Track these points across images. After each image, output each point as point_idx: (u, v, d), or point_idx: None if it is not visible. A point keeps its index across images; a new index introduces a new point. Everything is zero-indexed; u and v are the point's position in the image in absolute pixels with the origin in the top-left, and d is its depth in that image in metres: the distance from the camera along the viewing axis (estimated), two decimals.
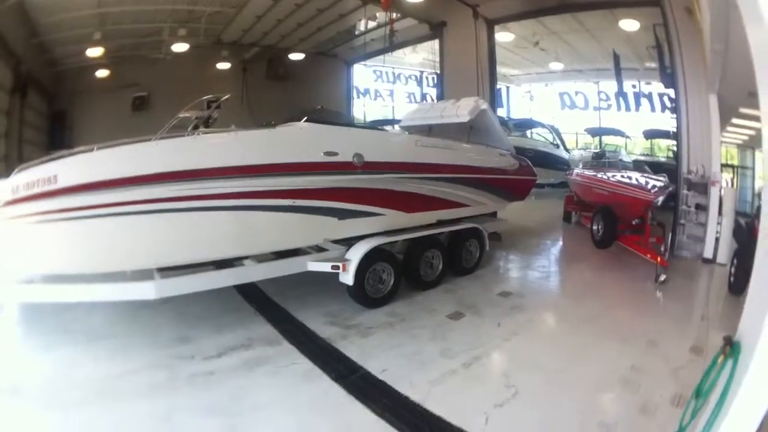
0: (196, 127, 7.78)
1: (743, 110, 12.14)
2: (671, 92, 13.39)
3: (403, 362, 6.06)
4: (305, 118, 8.05)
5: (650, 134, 22.04)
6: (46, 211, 6.01)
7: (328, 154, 7.51)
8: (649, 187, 11.17)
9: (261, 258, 7.54)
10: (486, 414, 4.88)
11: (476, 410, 4.93)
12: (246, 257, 7.41)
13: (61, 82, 19.97)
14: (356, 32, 23.83)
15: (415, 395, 5.27)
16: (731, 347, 3.04)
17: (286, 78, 23.80)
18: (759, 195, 14.07)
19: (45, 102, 19.91)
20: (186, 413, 5.13)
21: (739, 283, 8.47)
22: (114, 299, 7.04)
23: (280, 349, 6.55)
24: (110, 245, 6.37)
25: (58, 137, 19.82)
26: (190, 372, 5.99)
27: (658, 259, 9.23)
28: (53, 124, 20.31)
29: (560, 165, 20.44)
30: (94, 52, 18.90)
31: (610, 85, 23.45)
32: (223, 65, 22.61)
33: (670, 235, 10.64)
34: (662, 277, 8.96)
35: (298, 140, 7.65)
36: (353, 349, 6.44)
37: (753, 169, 16.33)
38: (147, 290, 6.55)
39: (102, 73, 20.27)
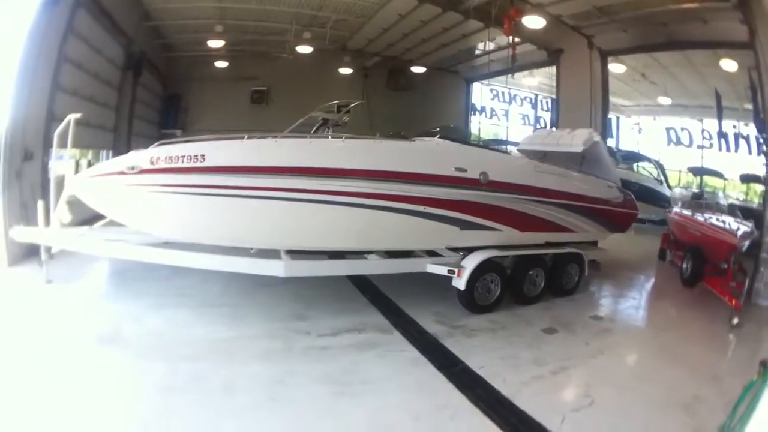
0: (322, 127, 8.90)
1: None
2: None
3: (499, 363, 6.76)
4: (439, 134, 8.85)
5: (745, 178, 21.48)
6: (190, 184, 6.87)
7: (458, 169, 8.24)
8: (736, 231, 11.11)
9: (381, 255, 8.32)
10: (563, 416, 5.46)
11: (556, 411, 5.53)
12: (370, 252, 8.19)
13: (177, 66, 21.27)
14: (477, 52, 23.99)
15: (506, 391, 5.91)
16: (765, 369, 3.43)
17: (406, 89, 24.29)
18: None
19: (160, 83, 21.19)
20: (299, 378, 5.88)
21: None
22: (244, 271, 7.61)
23: (391, 338, 7.38)
24: (246, 224, 7.25)
25: (172, 117, 21.43)
26: (305, 345, 6.87)
27: (733, 302, 9.29)
28: (167, 104, 21.71)
29: (662, 202, 19.81)
30: (215, 43, 19.84)
31: (712, 124, 23.03)
32: (345, 70, 23.31)
33: (747, 280, 10.41)
34: (735, 320, 8.97)
35: (434, 154, 8.43)
36: (457, 346, 7.17)
37: None
38: (277, 268, 7.42)
39: (221, 63, 21.40)
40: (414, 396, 5.73)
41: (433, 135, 9.11)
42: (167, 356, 6.17)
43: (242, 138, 7.45)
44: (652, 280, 13.52)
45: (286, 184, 7.11)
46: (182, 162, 6.88)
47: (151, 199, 6.93)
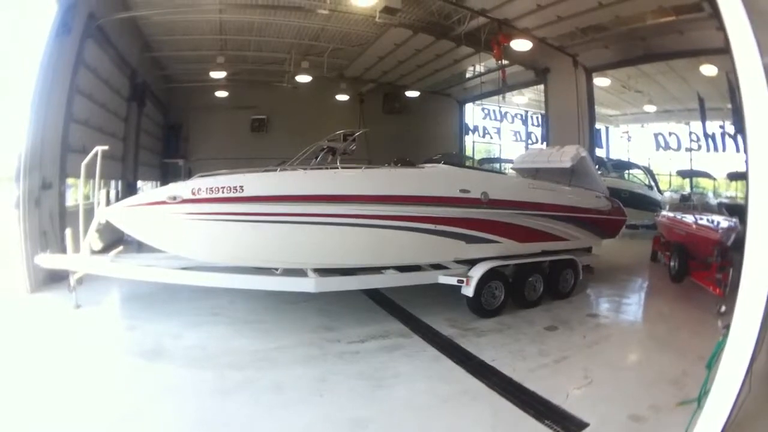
0: (326, 154, 9.49)
1: None
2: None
3: (508, 356, 7.61)
4: (442, 161, 9.82)
5: (733, 176, 21.44)
6: (230, 212, 7.55)
7: (462, 191, 9.24)
8: (718, 227, 11.95)
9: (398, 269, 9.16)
10: (567, 392, 6.31)
11: (561, 390, 6.35)
12: (387, 267, 9.04)
13: (178, 96, 21.55)
14: (468, 75, 24.57)
15: (516, 377, 6.78)
16: (727, 329, 4.22)
17: (401, 112, 24.76)
18: None
19: (161, 113, 21.52)
20: (339, 376, 6.67)
21: None
22: (280, 289, 8.54)
23: (412, 341, 8.21)
24: (280, 245, 7.97)
25: (173, 147, 21.64)
26: (339, 350, 7.61)
27: (717, 290, 10.12)
28: (169, 133, 21.88)
29: (653, 206, 20.10)
30: (216, 74, 20.29)
31: (699, 126, 23.09)
32: (342, 97, 23.62)
33: (732, 271, 10.43)
34: (722, 308, 9.24)
35: (440, 178, 9.39)
36: (470, 345, 8.04)
37: None
38: (308, 285, 8.20)
39: (222, 93, 21.66)
40: (439, 384, 6.56)
41: (436, 162, 10.02)
42: (214, 365, 6.85)
43: (276, 170, 8.33)
44: (644, 281, 14.25)
45: (315, 210, 7.93)
46: (223, 192, 7.57)
47: (193, 226, 7.58)
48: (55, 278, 9.45)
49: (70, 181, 11.55)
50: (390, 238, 8.57)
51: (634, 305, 11.72)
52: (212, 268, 8.42)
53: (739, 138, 21.59)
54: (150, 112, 20.19)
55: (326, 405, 5.96)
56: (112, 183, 17.06)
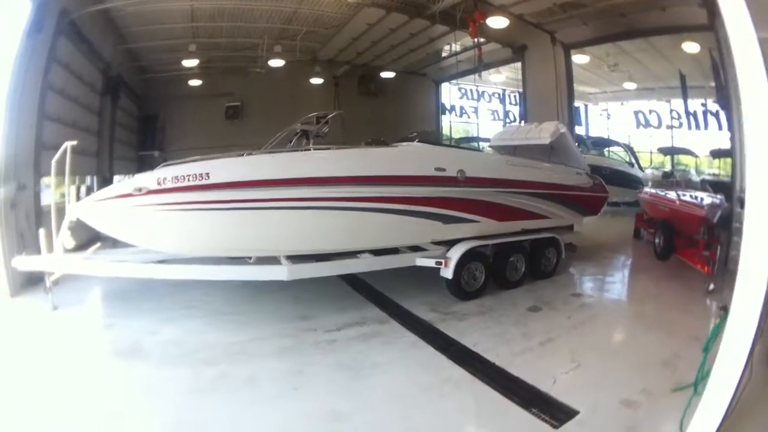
0: (300, 138, 9.20)
1: None
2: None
3: (491, 340, 7.38)
4: (417, 139, 9.51)
5: (716, 153, 21.64)
6: (197, 201, 7.29)
7: (438, 169, 8.91)
8: (703, 204, 11.81)
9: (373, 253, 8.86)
10: (554, 378, 6.07)
11: (547, 375, 6.13)
12: (363, 251, 8.72)
13: (152, 87, 20.88)
14: (444, 54, 24.28)
15: (500, 362, 6.56)
16: (725, 312, 3.99)
17: (376, 94, 24.31)
18: None
19: (136, 105, 20.86)
20: (316, 368, 6.46)
21: None
22: (251, 278, 8.43)
23: (390, 327, 7.97)
24: (251, 233, 7.71)
25: (149, 139, 20.85)
26: (315, 340, 7.37)
27: (705, 268, 9.99)
28: (144, 126, 21.05)
29: (635, 184, 20.02)
30: (189, 62, 19.80)
31: (681, 104, 23.16)
32: (316, 80, 23.21)
33: (719, 249, 10.76)
34: (711, 287, 9.53)
35: (414, 157, 9.09)
36: (451, 329, 7.80)
37: None
38: (281, 272, 7.93)
39: (195, 81, 21.08)
40: (419, 372, 6.35)
41: (411, 140, 9.73)
42: (189, 362, 6.60)
43: (242, 155, 8.00)
44: (628, 258, 14.14)
45: (284, 195, 7.64)
46: (188, 180, 7.30)
47: (161, 217, 7.32)
48: (35, 281, 9.19)
49: (46, 180, 11.21)
50: (363, 220, 8.31)
51: (619, 284, 11.56)
52: (186, 260, 8.22)
53: (722, 115, 21.71)
54: (125, 104, 19.75)
55: (304, 399, 5.74)
56: (88, 179, 16.62)
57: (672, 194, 13.24)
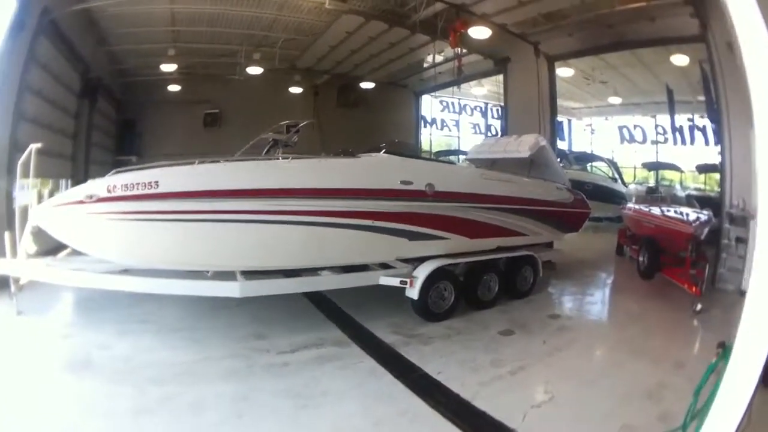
0: (272, 148, 8.83)
1: None
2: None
3: (457, 367, 6.82)
4: (384, 149, 8.94)
5: (702, 168, 21.74)
6: (145, 211, 6.86)
7: (404, 182, 8.36)
8: (691, 220, 11.41)
9: (335, 270, 8.34)
10: (524, 413, 5.51)
11: (517, 409, 5.57)
12: (323, 268, 8.20)
13: (132, 91, 20.88)
14: (425, 65, 24.06)
15: (465, 394, 5.97)
16: (723, 350, 3.61)
17: (356, 105, 24.27)
18: None
19: (114, 109, 20.80)
20: (263, 394, 5.95)
21: None
22: (201, 294, 7.72)
23: (349, 350, 7.40)
24: (201, 247, 7.24)
25: (127, 144, 20.83)
26: (266, 362, 6.87)
27: (693, 289, 9.51)
28: (123, 130, 21.14)
29: (618, 199, 19.94)
30: (168, 67, 19.69)
31: (666, 119, 23.22)
32: (295, 89, 23.19)
33: (707, 267, 10.61)
34: (698, 307, 9.23)
35: (379, 169, 8.55)
36: (414, 354, 7.21)
37: None
38: (233, 289, 7.37)
39: (174, 87, 21.06)
40: (374, 404, 5.80)
41: (379, 151, 9.20)
42: (135, 380, 6.20)
43: (193, 163, 7.46)
44: (610, 276, 13.77)
45: (237, 207, 7.16)
46: (137, 189, 6.89)
47: (109, 226, 6.92)
48: (3, 284, 8.79)
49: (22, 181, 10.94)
50: (321, 235, 7.80)
51: (600, 304, 11.06)
52: (146, 272, 7.64)
53: (709, 130, 21.65)
54: (103, 107, 19.65)
55: (245, 428, 5.30)
56: (62, 183, 15.90)
57: (657, 210, 12.95)
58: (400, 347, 7.51)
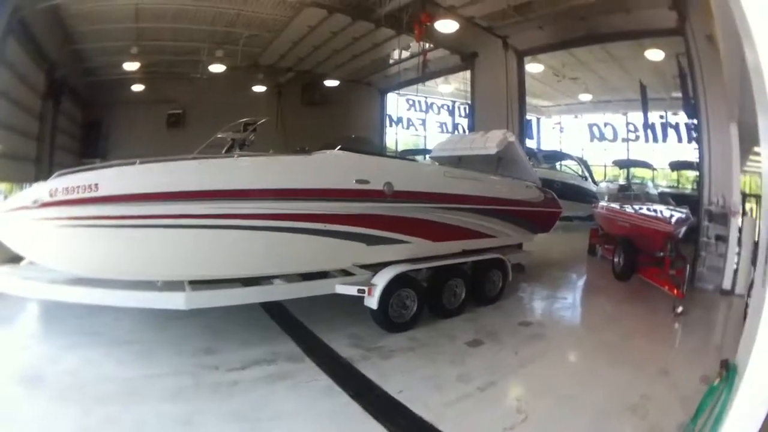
0: (231, 148, 8.27)
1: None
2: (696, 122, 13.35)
3: (420, 384, 6.27)
4: (339, 146, 8.36)
5: (676, 166, 21.87)
6: (85, 216, 6.41)
7: (359, 181, 7.85)
8: (670, 218, 11.22)
9: (290, 278, 7.79)
10: None
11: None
12: (276, 276, 7.66)
13: (97, 91, 20.56)
14: (390, 61, 23.97)
15: (428, 416, 5.45)
16: (727, 371, 3.21)
17: (320, 104, 24.04)
18: None
19: (80, 110, 20.54)
20: (207, 417, 5.46)
21: None
22: (144, 306, 7.26)
23: (303, 366, 6.83)
24: (144, 255, 6.74)
25: (92, 145, 20.43)
26: (214, 380, 6.35)
27: (675, 291, 9.28)
28: (88, 131, 20.85)
29: (588, 198, 20.09)
30: (132, 65, 19.39)
31: (638, 116, 23.30)
32: (259, 88, 22.97)
33: (688, 267, 10.61)
34: (679, 309, 9.03)
35: (332, 167, 8.00)
36: (373, 370, 6.67)
37: None
38: (178, 301, 6.87)
39: (139, 86, 20.83)
40: (327, 427, 5.37)
41: (333, 147, 8.65)
42: (81, 398, 5.77)
43: (134, 163, 6.95)
44: (584, 277, 13.54)
45: (177, 210, 6.65)
46: (77, 193, 6.44)
47: (51, 233, 6.51)
48: None
49: None
50: (268, 241, 7.27)
51: (574, 308, 10.63)
52: (90, 282, 7.08)
53: (682, 126, 21.72)
54: (68, 109, 19.48)
55: None
56: (26, 187, 16.05)
57: (633, 208, 12.83)
58: (359, 362, 6.98)
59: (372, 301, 7.68)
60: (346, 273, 8.33)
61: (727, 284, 10.82)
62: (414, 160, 12.18)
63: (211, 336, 7.74)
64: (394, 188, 8.19)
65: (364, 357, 7.13)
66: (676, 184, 22.81)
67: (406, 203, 8.43)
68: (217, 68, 20.52)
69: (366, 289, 7.71)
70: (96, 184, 6.48)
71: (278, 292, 7.72)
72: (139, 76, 20.18)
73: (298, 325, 8.37)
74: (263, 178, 7.30)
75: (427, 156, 15.87)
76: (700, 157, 12.33)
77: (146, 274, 7.08)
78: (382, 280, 7.78)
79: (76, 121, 20.66)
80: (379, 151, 19.29)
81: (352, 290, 7.82)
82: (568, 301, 10.90)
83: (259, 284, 7.63)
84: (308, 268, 8.05)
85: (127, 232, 6.54)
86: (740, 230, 10.84)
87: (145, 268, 6.93)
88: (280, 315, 8.73)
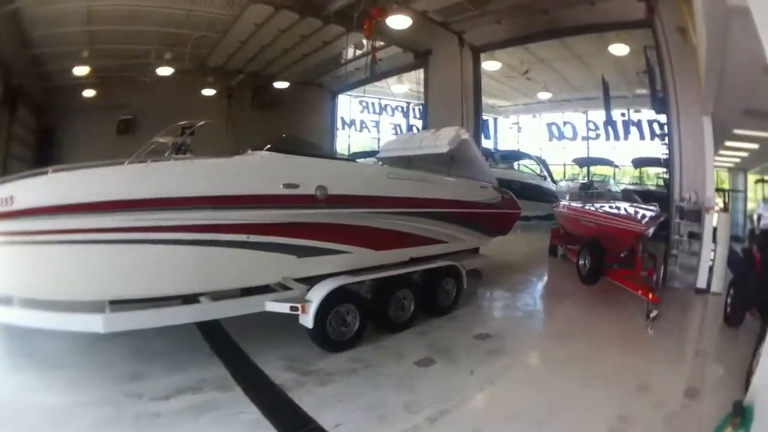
0: (174, 150, 7.89)
1: (738, 131, 12.21)
2: (662, 118, 13.36)
3: (361, 416, 5.62)
4: (267, 146, 7.75)
5: (639, 162, 22.27)
6: (4, 232, 5.92)
7: (287, 186, 7.19)
8: (640, 217, 10.89)
9: (219, 295, 7.06)
10: None
11: None
12: (202, 294, 6.97)
13: (53, 97, 20.84)
14: (341, 61, 23.78)
15: None
16: (742, 416, 2.72)
17: (271, 106, 23.95)
18: (751, 218, 14.12)
19: (34, 117, 20.79)
20: None
21: (735, 314, 8.38)
22: (59, 328, 6.70)
23: (231, 396, 6.20)
24: (61, 273, 6.16)
25: (46, 154, 20.17)
26: (137, 412, 5.79)
27: (649, 295, 8.80)
28: (41, 139, 21.09)
29: (547, 197, 20.35)
30: (83, 70, 19.17)
31: (598, 115, 23.55)
32: (209, 92, 22.98)
33: (661, 267, 10.47)
34: (653, 313, 8.51)
35: (256, 170, 7.37)
36: (308, 399, 6.00)
37: (745, 192, 16.29)
38: (95, 323, 6.23)
39: (91, 92, 21.03)
40: None
41: (261, 148, 8.04)
42: (11, 429, 5.39)
43: (46, 173, 6.34)
44: (545, 280, 13.30)
45: (89, 224, 6.04)
46: None
47: None
48: None
49: None
50: (183, 256, 6.58)
51: (536, 316, 10.09)
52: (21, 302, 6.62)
53: (645, 124, 21.95)
54: (22, 116, 19.54)
55: None
56: None
57: (598, 207, 12.52)
58: (293, 390, 6.24)
59: (307, 320, 6.99)
60: (285, 287, 7.59)
61: (701, 283, 10.75)
62: (353, 160, 11.59)
63: (139, 360, 7.10)
64: (329, 192, 7.53)
65: (299, 383, 6.42)
66: (638, 181, 23.01)
67: (342, 209, 7.82)
68: (165, 71, 20.34)
69: (299, 306, 6.98)
70: (12, 197, 5.95)
71: (204, 311, 6.97)
72: (91, 81, 20.23)
73: (231, 346, 7.67)
74: (178, 186, 6.61)
75: (375, 157, 15.45)
76: (670, 152, 12.16)
77: (61, 294, 6.41)
78: (317, 295, 7.09)
79: (30, 128, 20.56)
80: (314, 151, 18.81)
81: (284, 308, 7.08)
82: (530, 309, 10.39)
83: (185, 303, 6.94)
84: (234, 284, 7.35)
85: (41, 248, 6.01)
86: (715, 227, 10.71)
87: (59, 288, 6.31)
88: (213, 333, 8.04)
